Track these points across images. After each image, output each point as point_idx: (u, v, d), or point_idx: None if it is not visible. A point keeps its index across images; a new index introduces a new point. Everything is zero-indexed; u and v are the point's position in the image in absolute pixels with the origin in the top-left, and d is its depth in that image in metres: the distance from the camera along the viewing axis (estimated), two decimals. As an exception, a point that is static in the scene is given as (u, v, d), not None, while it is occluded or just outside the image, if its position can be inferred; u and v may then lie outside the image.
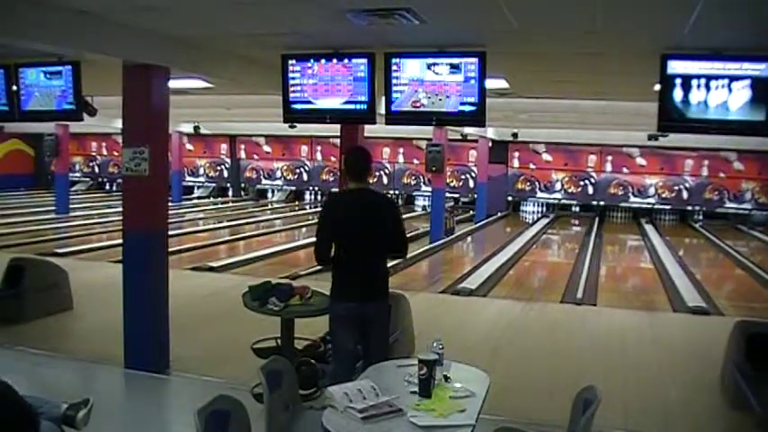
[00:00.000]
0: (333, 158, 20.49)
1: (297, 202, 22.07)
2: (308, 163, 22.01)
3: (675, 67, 4.48)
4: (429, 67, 4.93)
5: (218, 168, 22.91)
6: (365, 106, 5.15)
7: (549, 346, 6.19)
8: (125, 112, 5.11)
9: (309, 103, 5.30)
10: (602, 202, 19.56)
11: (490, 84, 5.30)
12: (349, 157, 3.90)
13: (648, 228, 17.31)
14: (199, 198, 22.37)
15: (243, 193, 23.00)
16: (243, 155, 22.71)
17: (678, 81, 4.48)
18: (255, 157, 22.60)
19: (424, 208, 19.92)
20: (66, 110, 5.42)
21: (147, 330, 5.14)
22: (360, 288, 3.74)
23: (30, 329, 6.17)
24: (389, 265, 4.06)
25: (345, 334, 3.78)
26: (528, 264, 12.22)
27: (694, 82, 4.46)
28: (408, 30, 4.35)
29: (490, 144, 17.77)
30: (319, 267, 4.99)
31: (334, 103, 5.22)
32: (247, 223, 16.68)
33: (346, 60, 5.11)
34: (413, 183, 21.11)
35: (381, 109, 5.20)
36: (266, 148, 22.33)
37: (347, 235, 3.75)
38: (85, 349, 5.61)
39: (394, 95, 5.06)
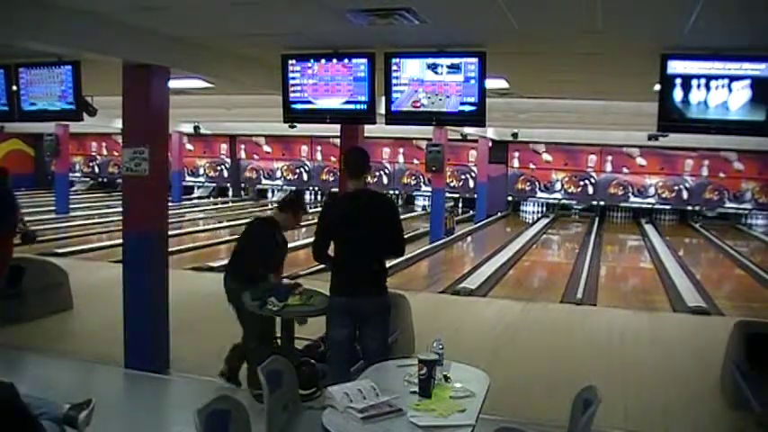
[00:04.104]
0: (333, 158, 20.47)
1: (297, 202, 22.03)
2: (308, 163, 22.00)
3: (675, 67, 4.48)
4: (429, 67, 4.93)
5: (218, 168, 22.90)
6: (365, 106, 5.15)
7: (549, 346, 6.18)
8: (125, 112, 5.10)
9: (309, 103, 5.29)
10: (602, 202, 19.55)
11: (490, 84, 5.30)
12: (348, 156, 4.01)
13: (648, 228, 17.31)
14: (199, 198, 22.36)
15: (243, 193, 22.99)
16: (243, 155, 22.70)
17: (678, 81, 4.48)
18: (255, 157, 22.59)
19: (424, 208, 19.92)
20: (66, 110, 5.41)
21: (147, 330, 5.13)
22: (352, 284, 3.80)
23: (30, 329, 6.17)
24: (388, 264, 4.09)
25: (337, 328, 3.83)
26: (528, 264, 12.22)
27: (694, 82, 4.46)
28: (408, 30, 4.35)
29: (490, 144, 17.77)
30: (320, 267, 5.01)
31: (334, 103, 5.22)
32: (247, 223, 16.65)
33: (346, 60, 5.10)
34: (413, 183, 21.10)
35: (381, 109, 5.19)
36: (266, 148, 22.33)
37: (345, 234, 3.82)
38: (85, 349, 5.61)
39: (394, 95, 5.06)
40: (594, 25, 4.13)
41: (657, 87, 4.57)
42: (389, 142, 20.52)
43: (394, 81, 5.03)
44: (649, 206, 19.15)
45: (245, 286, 4.35)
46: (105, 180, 23.83)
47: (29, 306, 6.44)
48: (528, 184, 20.16)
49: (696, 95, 4.46)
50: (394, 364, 3.30)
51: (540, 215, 19.85)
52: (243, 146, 22.58)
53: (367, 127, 6.94)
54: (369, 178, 3.94)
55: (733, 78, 4.38)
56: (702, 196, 18.72)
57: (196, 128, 19.07)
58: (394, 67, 5.00)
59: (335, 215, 3.92)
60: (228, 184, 23.03)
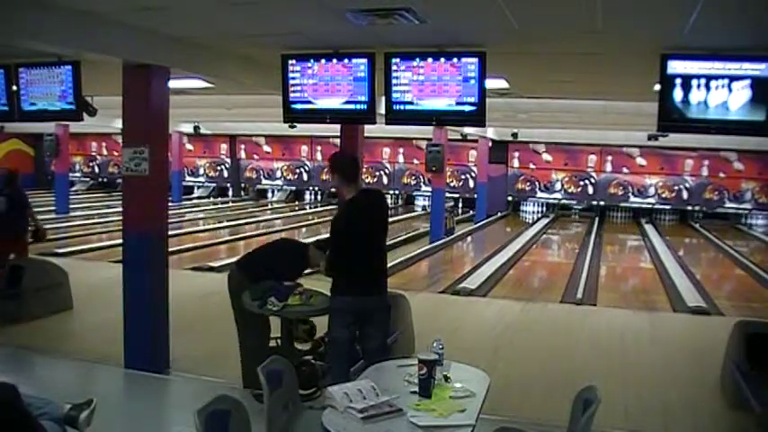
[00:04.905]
0: (333, 158, 20.45)
1: (297, 202, 22.07)
2: (308, 163, 22.01)
3: (675, 67, 4.48)
4: (429, 66, 4.93)
5: (218, 168, 22.91)
6: (365, 106, 5.15)
7: (549, 346, 6.18)
8: (125, 112, 5.11)
9: (309, 103, 5.29)
10: (602, 202, 19.55)
11: (490, 84, 5.30)
12: (337, 164, 4.05)
13: (648, 228, 17.31)
14: (199, 198, 22.36)
15: (243, 193, 22.99)
16: (243, 155, 22.71)
17: (678, 81, 4.48)
18: (255, 157, 22.59)
19: (424, 208, 19.92)
20: (66, 110, 5.41)
21: (147, 330, 5.13)
22: (356, 284, 3.85)
23: (30, 329, 6.17)
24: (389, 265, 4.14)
25: (340, 328, 3.86)
26: (528, 264, 12.22)
27: (694, 82, 4.46)
28: (408, 30, 4.35)
29: (490, 144, 17.77)
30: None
31: (334, 103, 5.22)
32: (247, 223, 16.67)
33: (346, 60, 5.10)
34: (413, 183, 21.10)
35: (381, 109, 5.19)
36: (266, 148, 22.33)
37: (348, 237, 3.88)
38: (85, 349, 5.61)
39: (394, 95, 5.06)
40: (594, 25, 4.13)
41: (657, 87, 4.56)
42: (389, 142, 20.52)
43: (394, 81, 5.02)
44: (649, 206, 19.15)
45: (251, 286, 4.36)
46: (105, 180, 23.84)
47: (29, 306, 6.44)
48: (528, 184, 20.15)
49: (696, 95, 4.46)
50: (394, 364, 3.30)
51: (540, 215, 19.84)
52: (243, 146, 22.58)
53: (367, 127, 6.94)
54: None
55: (733, 78, 4.38)
56: (702, 196, 18.72)
57: (196, 128, 19.06)
58: (394, 67, 5.00)
59: (340, 220, 3.99)
60: (228, 184, 23.03)
